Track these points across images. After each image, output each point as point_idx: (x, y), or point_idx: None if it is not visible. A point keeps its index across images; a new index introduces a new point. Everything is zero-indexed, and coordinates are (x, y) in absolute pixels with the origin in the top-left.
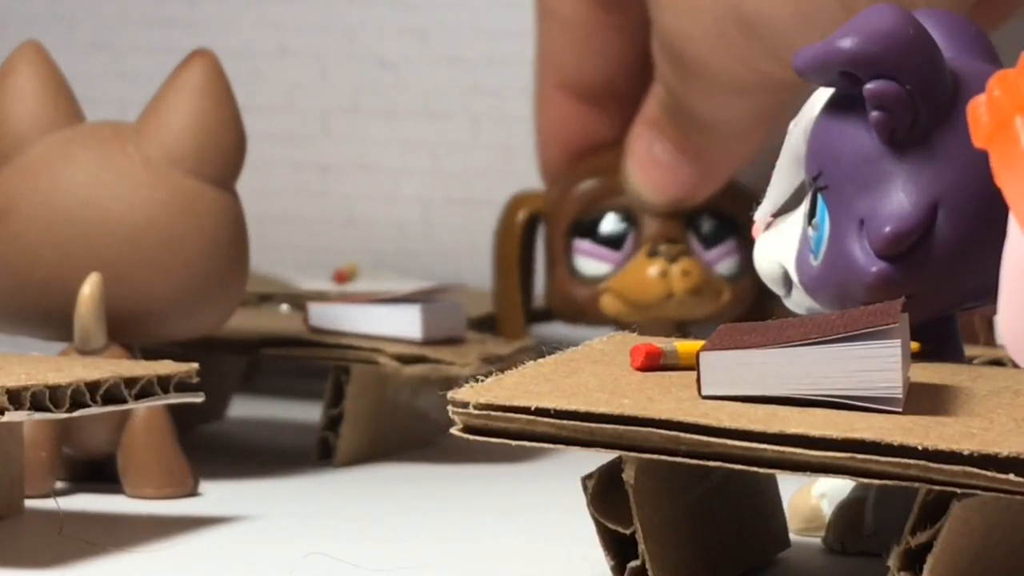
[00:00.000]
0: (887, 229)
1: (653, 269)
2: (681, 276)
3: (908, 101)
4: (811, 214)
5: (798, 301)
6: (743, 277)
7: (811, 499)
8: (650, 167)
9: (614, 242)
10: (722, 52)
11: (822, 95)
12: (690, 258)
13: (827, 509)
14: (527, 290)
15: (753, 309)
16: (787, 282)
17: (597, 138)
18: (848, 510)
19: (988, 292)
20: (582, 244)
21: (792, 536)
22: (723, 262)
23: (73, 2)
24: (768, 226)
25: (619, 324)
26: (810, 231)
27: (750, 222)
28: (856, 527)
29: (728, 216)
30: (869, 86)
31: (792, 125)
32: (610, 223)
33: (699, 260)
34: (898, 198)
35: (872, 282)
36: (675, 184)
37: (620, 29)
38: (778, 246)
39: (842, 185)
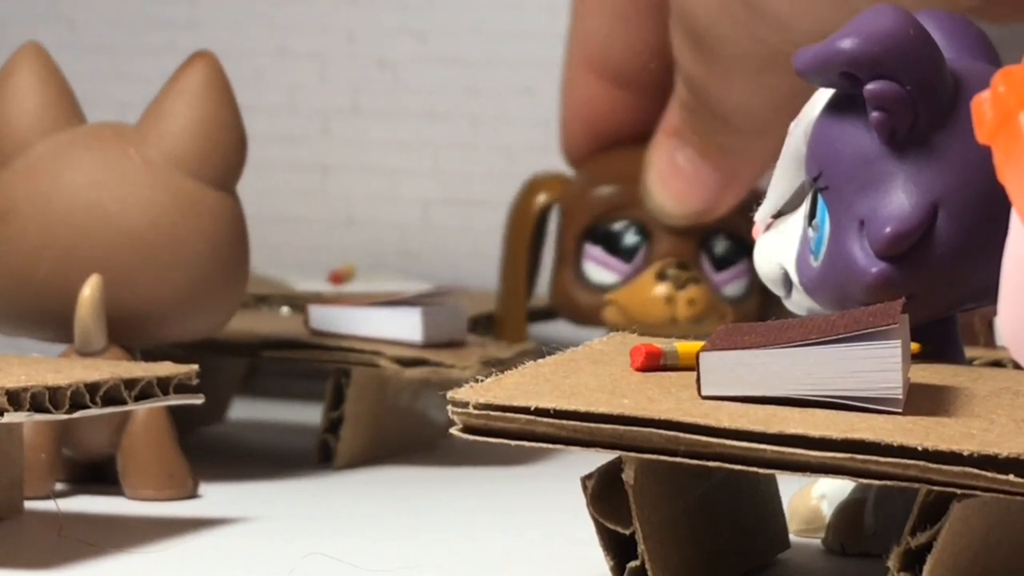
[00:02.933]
0: (887, 230)
1: (659, 291)
2: (686, 304)
3: (908, 101)
4: (811, 215)
5: (798, 302)
6: (749, 298)
7: (811, 500)
8: (672, 177)
9: (626, 254)
10: (729, 23)
11: (823, 95)
12: (698, 286)
13: (827, 510)
14: (532, 283)
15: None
16: (787, 283)
17: (621, 124)
18: (848, 511)
19: (989, 293)
20: (593, 250)
21: (792, 537)
22: (732, 284)
23: (74, 3)
24: (768, 227)
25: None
26: (810, 232)
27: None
28: (856, 528)
29: (743, 237)
30: (869, 86)
31: (793, 125)
32: (624, 234)
33: (707, 286)
34: (898, 199)
35: (872, 282)
36: (697, 194)
37: (652, 10)
38: (778, 247)
39: (842, 185)
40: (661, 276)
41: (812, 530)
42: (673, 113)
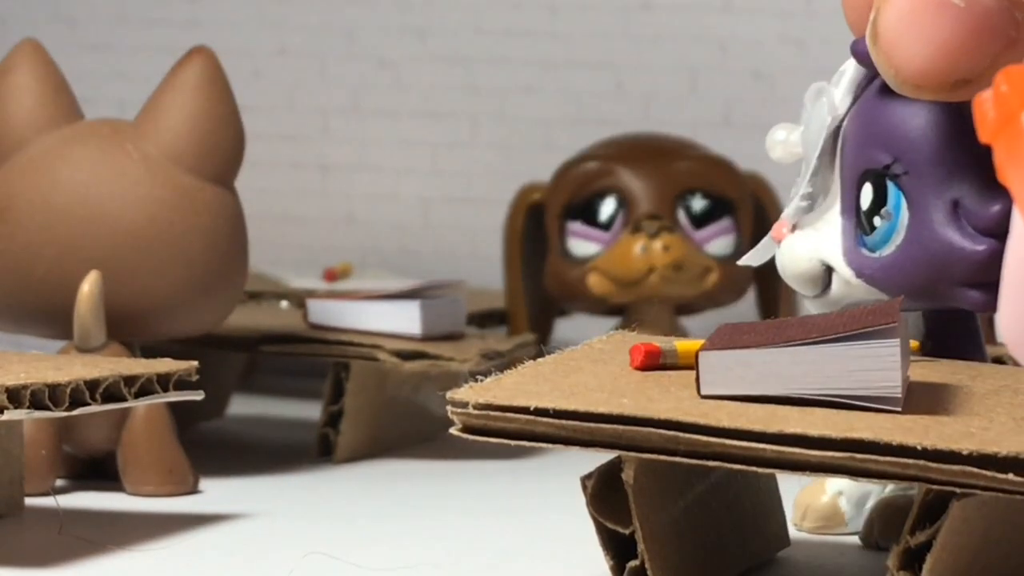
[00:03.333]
0: (995, 207)
1: (636, 245)
2: (661, 251)
3: None
4: (878, 203)
5: (838, 297)
6: (735, 257)
7: (826, 497)
8: (926, 16)
9: (605, 223)
10: None
11: (844, 89)
12: (672, 234)
13: (846, 507)
14: (536, 284)
15: (763, 297)
16: (825, 280)
17: None
18: (892, 507)
19: None
20: (574, 226)
21: (792, 534)
22: (715, 241)
23: (73, 2)
24: (793, 228)
25: (607, 304)
26: (878, 221)
27: (743, 203)
28: (902, 524)
29: (721, 196)
30: None
31: (826, 122)
32: (601, 204)
33: (684, 237)
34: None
35: (983, 259)
36: (995, 41)
37: None
38: (817, 244)
39: (926, 169)
40: (636, 230)
41: (830, 527)
42: None
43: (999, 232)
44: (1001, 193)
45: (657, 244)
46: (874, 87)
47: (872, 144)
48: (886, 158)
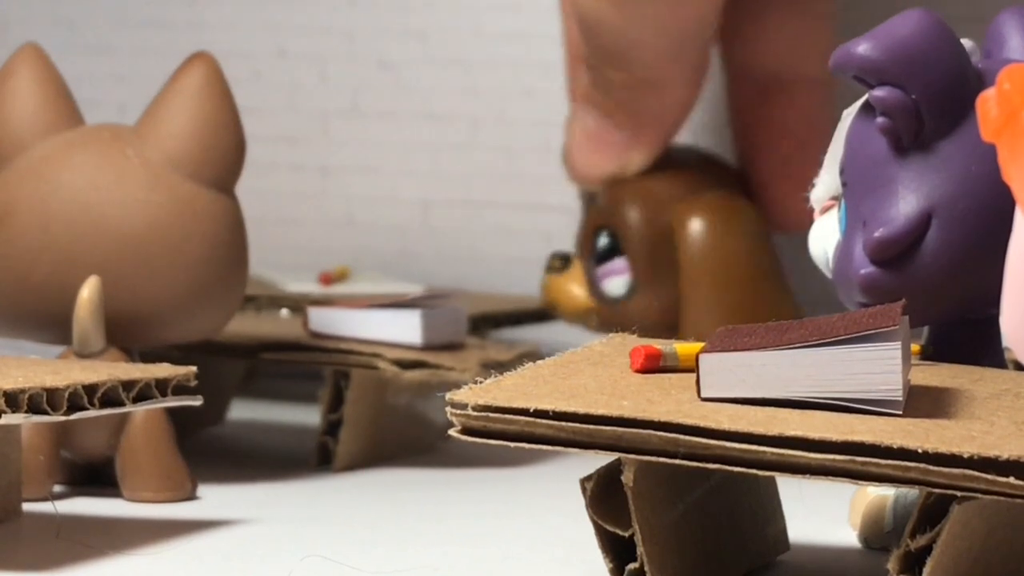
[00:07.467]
0: (876, 234)
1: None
2: (542, 290)
3: (912, 110)
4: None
5: None
6: (628, 299)
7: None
8: (582, 143)
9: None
10: None
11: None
12: (559, 273)
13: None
14: None
15: None
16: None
17: None
18: (872, 507)
19: (982, 303)
20: None
21: (792, 538)
22: (608, 280)
23: (73, 4)
24: (826, 210)
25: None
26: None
27: (638, 244)
28: (878, 524)
29: (621, 235)
30: (875, 93)
31: (845, 114)
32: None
33: (568, 278)
34: (894, 204)
35: (860, 284)
36: (605, 156)
37: None
38: (825, 233)
39: (856, 184)
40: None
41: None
42: (580, 75)
43: (880, 259)
44: (886, 223)
45: (543, 282)
46: (867, 98)
47: (844, 149)
48: (842, 165)
